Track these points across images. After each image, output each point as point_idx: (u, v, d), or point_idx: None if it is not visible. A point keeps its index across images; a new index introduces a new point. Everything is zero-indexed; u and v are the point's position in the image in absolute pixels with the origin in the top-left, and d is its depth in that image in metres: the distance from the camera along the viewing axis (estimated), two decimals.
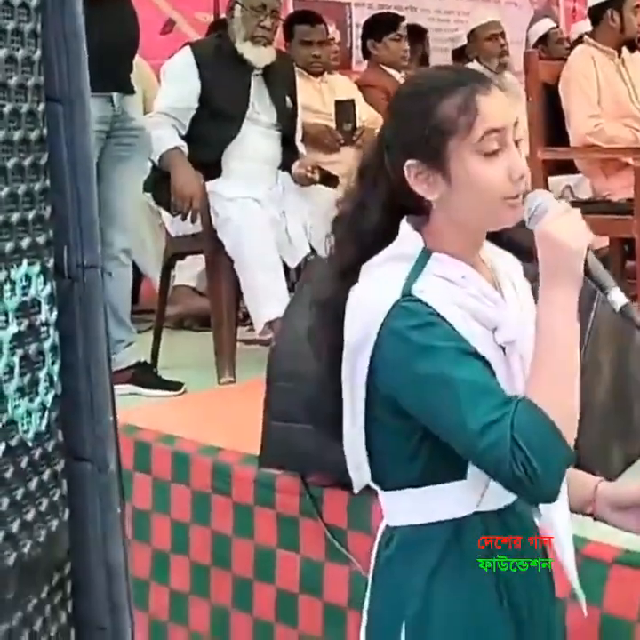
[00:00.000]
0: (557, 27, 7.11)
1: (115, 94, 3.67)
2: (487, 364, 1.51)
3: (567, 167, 4.57)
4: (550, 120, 4.52)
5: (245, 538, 2.85)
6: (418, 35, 6.24)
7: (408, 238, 1.56)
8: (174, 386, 3.74)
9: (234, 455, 2.95)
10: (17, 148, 0.76)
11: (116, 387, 3.21)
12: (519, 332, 1.56)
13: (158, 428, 3.17)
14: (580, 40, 5.16)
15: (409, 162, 1.55)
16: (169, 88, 4.06)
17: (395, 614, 1.59)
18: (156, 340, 4.06)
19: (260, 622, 2.82)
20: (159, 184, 3.95)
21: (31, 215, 0.77)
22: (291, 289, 3.70)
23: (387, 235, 1.56)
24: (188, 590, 3.00)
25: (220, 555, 2.91)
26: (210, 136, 3.95)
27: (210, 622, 2.95)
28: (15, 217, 0.75)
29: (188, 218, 3.85)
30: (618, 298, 1.51)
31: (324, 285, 1.65)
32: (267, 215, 3.89)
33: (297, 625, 2.76)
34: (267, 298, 3.70)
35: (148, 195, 4.19)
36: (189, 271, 4.72)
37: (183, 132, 3.98)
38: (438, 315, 1.49)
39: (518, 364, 1.55)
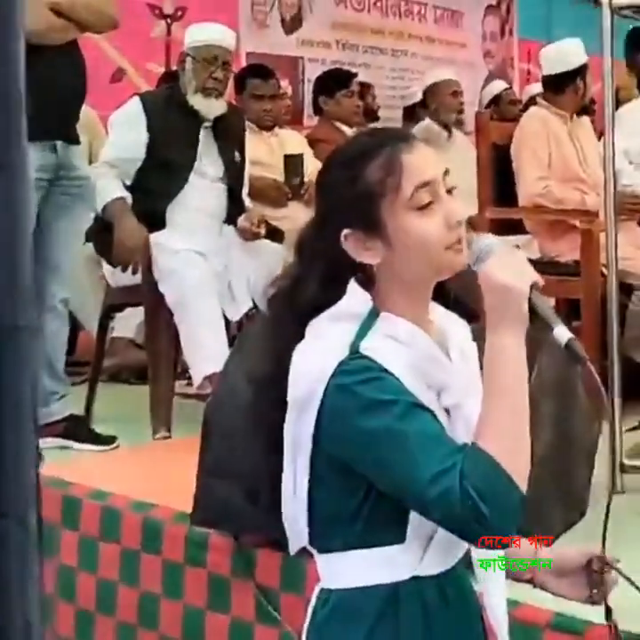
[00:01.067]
0: (510, 88, 7.29)
1: (59, 142, 3.67)
2: (435, 416, 1.52)
3: (515, 227, 4.66)
4: (499, 180, 4.64)
5: (174, 598, 2.84)
6: (362, 89, 6.31)
7: (356, 297, 1.57)
8: (107, 440, 3.74)
9: (166, 512, 2.94)
10: None
11: (47, 440, 3.20)
12: (464, 396, 1.58)
13: (89, 482, 3.16)
14: (532, 101, 5.31)
15: (345, 231, 1.57)
16: (116, 137, 4.08)
17: None
18: (90, 393, 4.05)
19: None
20: (101, 234, 3.95)
21: None
22: (230, 343, 3.74)
23: (322, 307, 1.58)
24: None
25: (148, 615, 2.89)
26: (155, 187, 3.97)
27: None
28: None
29: (129, 269, 3.87)
30: (562, 333, 1.53)
31: (260, 363, 1.66)
32: (210, 268, 3.90)
33: None
34: (206, 352, 3.70)
35: (90, 245, 4.21)
36: (128, 322, 4.70)
37: (128, 183, 4.00)
38: (386, 371, 1.50)
39: (463, 427, 1.56)
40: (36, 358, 0.90)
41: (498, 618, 1.67)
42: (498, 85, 7.09)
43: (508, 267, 1.54)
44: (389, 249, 1.58)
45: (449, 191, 1.61)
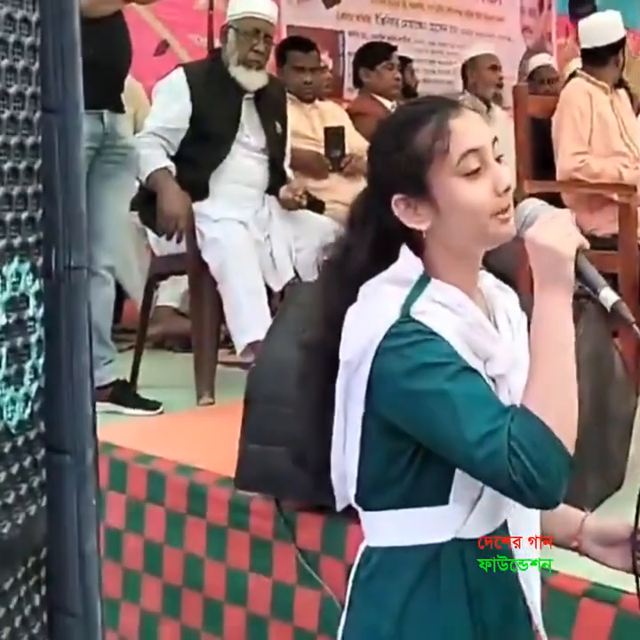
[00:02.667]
0: (551, 64, 7.21)
1: (105, 112, 3.72)
2: (483, 380, 1.53)
3: (553, 201, 4.63)
4: (538, 153, 4.60)
5: (218, 560, 2.87)
6: (402, 64, 6.32)
7: (408, 262, 1.58)
8: (152, 405, 3.77)
9: (210, 476, 2.96)
10: (13, 153, 0.82)
11: None
12: (510, 366, 1.59)
13: (135, 446, 3.20)
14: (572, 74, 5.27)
15: (396, 197, 1.58)
16: (160, 108, 4.09)
17: (369, 635, 1.61)
18: (136, 360, 4.08)
19: None
20: (146, 203, 3.98)
21: (23, 216, 0.83)
22: (273, 313, 3.75)
23: (372, 275, 1.59)
24: (158, 611, 3.01)
25: (193, 576, 2.92)
26: (199, 157, 3.98)
27: None
28: (8, 217, 0.81)
29: (174, 238, 3.90)
30: (609, 296, 1.53)
31: (310, 329, 1.69)
32: (252, 238, 3.92)
33: None
34: (249, 320, 3.73)
35: (135, 214, 4.24)
36: (172, 291, 4.74)
37: (172, 153, 4.01)
38: (436, 334, 1.51)
39: (507, 398, 1.57)
40: (88, 302, 0.91)
41: (529, 581, 1.68)
42: (542, 59, 7.01)
43: (554, 230, 1.54)
44: (438, 215, 1.58)
45: (497, 159, 1.60)
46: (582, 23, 4.93)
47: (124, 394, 3.77)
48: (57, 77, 0.85)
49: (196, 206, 3.95)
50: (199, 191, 3.98)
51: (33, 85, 0.83)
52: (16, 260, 0.81)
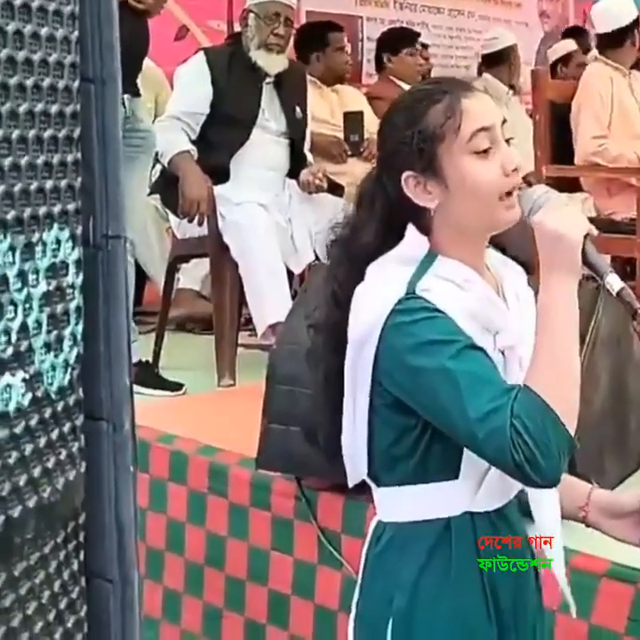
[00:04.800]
0: (579, 50, 7.16)
1: (125, 96, 3.74)
2: (488, 356, 1.54)
3: (572, 185, 4.63)
4: (556, 138, 4.59)
5: (240, 539, 2.88)
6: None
7: (414, 241, 1.59)
8: (174, 386, 3.78)
9: (231, 456, 2.97)
10: (53, 121, 0.82)
11: None
12: (519, 338, 1.60)
13: (157, 427, 3.21)
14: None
15: (406, 174, 1.59)
16: (181, 92, 4.09)
17: (382, 609, 1.62)
18: (157, 341, 4.09)
19: (251, 623, 2.85)
20: (168, 186, 3.97)
21: (63, 184, 0.83)
22: (293, 295, 3.75)
23: (380, 253, 1.60)
24: (181, 589, 3.02)
25: (215, 555, 2.93)
26: (219, 141, 3.98)
27: (202, 621, 2.98)
28: (49, 184, 0.81)
29: (195, 221, 3.90)
30: (615, 282, 1.54)
31: (320, 307, 1.70)
32: (272, 221, 3.92)
33: (288, 626, 2.78)
34: (270, 302, 3.73)
35: (157, 197, 4.25)
36: (193, 274, 4.75)
37: (193, 137, 4.01)
38: (441, 311, 1.52)
39: (517, 369, 1.58)
40: (126, 270, 0.91)
41: (554, 555, 1.68)
42: (569, 44, 6.96)
43: (562, 216, 1.55)
44: (447, 192, 1.59)
45: (507, 141, 1.61)
46: (594, 8, 4.92)
47: (147, 375, 3.78)
48: (94, 47, 0.86)
49: (217, 190, 3.95)
50: (220, 175, 3.98)
51: (72, 54, 0.84)
52: (56, 227, 0.82)
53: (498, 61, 6.02)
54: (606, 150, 4.49)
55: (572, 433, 1.49)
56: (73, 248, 0.84)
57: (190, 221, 3.90)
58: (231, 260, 3.89)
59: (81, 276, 0.85)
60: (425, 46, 6.67)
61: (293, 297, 3.70)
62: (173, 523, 3.04)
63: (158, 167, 4.05)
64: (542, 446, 1.45)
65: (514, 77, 5.95)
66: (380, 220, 1.62)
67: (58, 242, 0.82)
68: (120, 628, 0.84)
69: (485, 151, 1.58)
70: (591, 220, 1.66)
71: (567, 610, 1.77)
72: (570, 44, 6.93)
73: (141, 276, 4.69)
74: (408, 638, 1.61)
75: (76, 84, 0.85)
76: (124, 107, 3.74)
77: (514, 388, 1.50)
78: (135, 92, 3.83)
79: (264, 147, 4.08)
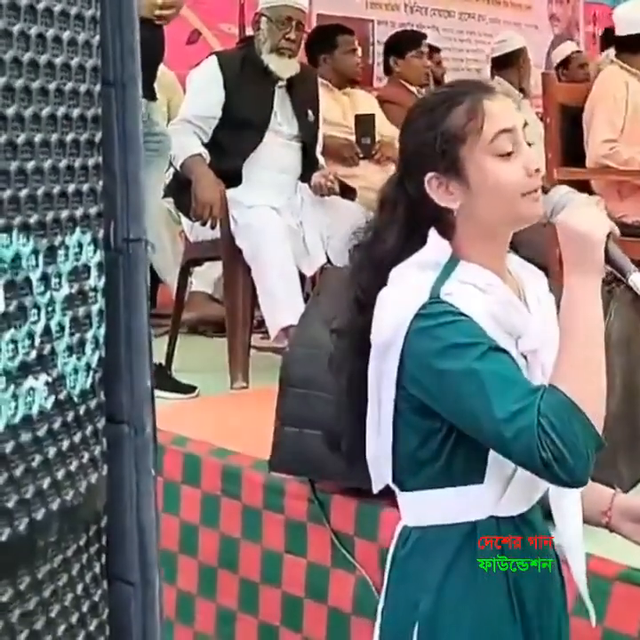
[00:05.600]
0: (580, 51, 7.17)
1: (143, 100, 3.75)
2: (512, 358, 1.54)
3: (583, 188, 4.61)
4: (567, 141, 4.57)
5: (253, 541, 2.87)
6: (430, 53, 6.30)
7: (436, 246, 1.60)
8: (188, 389, 3.78)
9: (244, 459, 2.96)
10: (75, 125, 0.82)
11: None
12: (542, 342, 1.60)
13: (171, 429, 3.20)
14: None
15: (429, 174, 1.60)
16: (193, 96, 4.10)
17: (408, 613, 1.62)
18: (170, 344, 4.09)
19: (265, 625, 2.84)
20: (181, 190, 3.98)
21: (85, 188, 0.83)
22: (306, 298, 3.76)
23: (403, 257, 1.60)
24: (194, 591, 3.02)
25: (228, 557, 2.93)
26: (232, 145, 3.98)
27: (215, 624, 2.97)
28: (71, 188, 0.81)
29: (208, 224, 3.90)
30: (639, 280, 1.54)
31: (341, 313, 1.70)
32: (285, 224, 3.92)
33: (301, 629, 2.78)
34: (282, 305, 3.72)
35: (170, 200, 4.25)
36: (206, 277, 4.74)
37: (206, 140, 4.01)
38: (465, 315, 1.53)
39: (539, 373, 1.59)
40: (146, 273, 0.91)
41: (574, 560, 1.68)
42: (568, 47, 6.97)
43: (585, 216, 1.55)
44: (469, 193, 1.59)
45: (528, 145, 1.62)
46: (617, 11, 4.88)
47: (160, 377, 3.77)
48: (115, 51, 0.86)
49: (230, 193, 3.95)
50: (232, 178, 3.98)
51: (93, 58, 0.83)
52: (78, 230, 0.82)
53: (507, 64, 6.01)
54: (617, 153, 4.47)
55: (600, 432, 1.48)
56: (95, 251, 0.84)
57: (203, 225, 3.90)
58: (244, 263, 3.89)
59: (103, 280, 0.85)
60: (436, 50, 6.67)
61: (305, 300, 3.70)
62: (187, 525, 3.04)
63: (171, 171, 4.05)
64: (570, 445, 1.45)
65: (524, 80, 5.94)
66: (403, 224, 1.62)
67: (80, 245, 0.82)
68: (141, 630, 0.84)
69: (508, 154, 1.58)
70: None
71: (580, 613, 1.76)
72: (569, 47, 6.93)
73: (155, 280, 4.70)
74: None
75: (98, 87, 0.85)
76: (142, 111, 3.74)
77: (540, 387, 1.50)
78: (151, 96, 3.83)
79: (276, 150, 4.07)
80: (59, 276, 0.79)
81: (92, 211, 0.84)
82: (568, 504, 1.66)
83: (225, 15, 6.26)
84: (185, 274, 4.27)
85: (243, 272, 3.90)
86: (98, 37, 0.84)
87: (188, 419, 3.46)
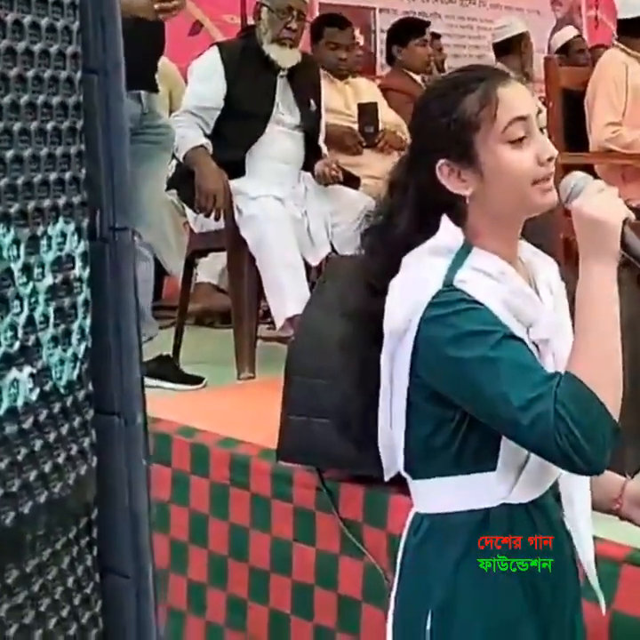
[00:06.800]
0: (580, 35, 7.14)
1: (142, 92, 3.73)
2: (527, 346, 1.53)
3: (587, 172, 4.57)
4: (570, 125, 4.55)
5: (262, 530, 2.87)
6: (431, 40, 6.25)
7: (449, 232, 1.58)
8: (195, 380, 3.77)
9: (252, 448, 2.96)
10: (55, 112, 0.80)
11: None
12: (553, 331, 1.59)
13: (178, 420, 3.20)
14: (599, 46, 5.20)
15: (440, 161, 1.58)
16: (195, 87, 4.08)
17: (421, 601, 1.61)
18: (177, 336, 4.08)
19: (275, 613, 2.84)
20: (184, 181, 3.96)
21: (67, 176, 0.81)
22: (311, 288, 3.74)
23: (415, 243, 1.59)
24: (205, 581, 3.02)
25: (238, 546, 2.92)
26: (234, 135, 3.97)
27: (226, 613, 2.97)
28: (52, 177, 0.80)
29: (212, 215, 3.88)
30: None
31: (353, 297, 1.68)
32: (289, 214, 3.90)
33: (312, 617, 2.78)
34: (288, 295, 3.71)
35: (174, 192, 4.24)
36: (211, 268, 4.74)
37: (208, 132, 4.00)
38: (479, 303, 1.51)
39: (551, 362, 1.57)
40: (134, 262, 0.90)
41: (583, 546, 1.67)
42: (568, 32, 6.94)
43: (600, 202, 1.53)
44: (481, 181, 1.58)
45: (540, 130, 1.61)
46: None
47: (167, 369, 3.78)
48: (97, 37, 0.84)
49: (234, 183, 3.93)
50: (236, 169, 3.97)
51: (73, 44, 0.82)
52: (61, 220, 0.80)
53: (509, 50, 5.98)
54: (620, 136, 4.44)
55: (616, 419, 1.47)
56: (79, 241, 0.83)
57: (207, 216, 3.89)
58: (248, 254, 3.88)
59: (88, 270, 0.83)
60: (437, 36, 6.64)
61: (311, 289, 3.68)
62: (196, 515, 3.03)
63: (174, 162, 4.04)
64: (587, 432, 1.43)
65: (526, 66, 5.91)
66: (414, 209, 1.61)
67: (63, 235, 0.81)
68: (135, 621, 0.83)
69: (520, 140, 1.57)
70: None
71: (588, 596, 1.75)
72: (569, 32, 6.90)
73: (160, 271, 4.69)
74: (448, 630, 1.59)
75: (79, 74, 0.83)
76: (141, 103, 3.72)
77: (556, 375, 1.49)
78: (153, 88, 3.81)
79: (279, 140, 4.06)
80: (41, 266, 0.78)
81: (76, 199, 0.83)
82: (577, 491, 1.65)
83: (227, 6, 6.24)
84: (190, 265, 4.27)
85: (247, 262, 3.89)
86: (77, 23, 0.82)
87: (196, 409, 3.46)
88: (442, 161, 1.58)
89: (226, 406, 3.53)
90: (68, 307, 0.82)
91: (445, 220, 1.59)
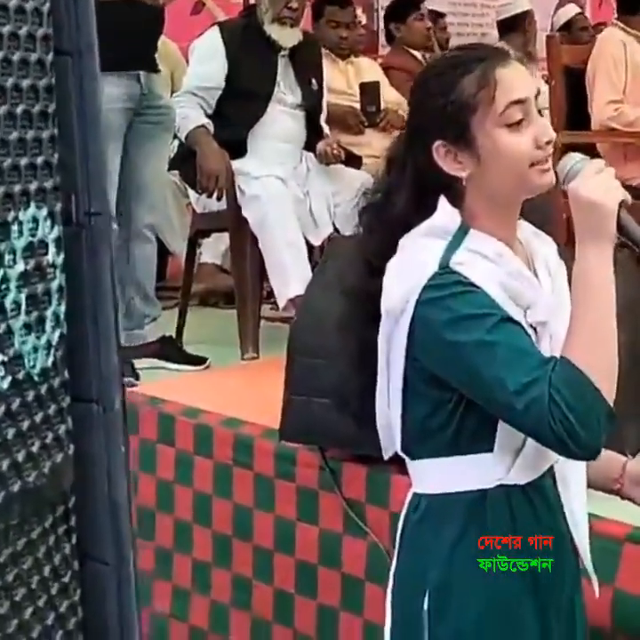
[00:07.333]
0: (582, 13, 7.06)
1: (142, 73, 3.70)
2: (524, 330, 1.52)
3: (588, 151, 4.54)
4: (572, 104, 4.50)
5: (266, 510, 2.86)
6: (434, 19, 6.18)
7: (446, 214, 1.56)
8: (198, 360, 3.75)
9: (255, 428, 2.94)
10: (26, 96, 0.78)
11: (141, 360, 3.25)
12: (551, 314, 1.57)
13: (182, 401, 3.18)
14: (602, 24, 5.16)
15: (437, 142, 1.56)
16: (196, 67, 4.06)
17: (419, 581, 1.61)
18: (181, 316, 4.07)
19: (280, 592, 2.83)
20: (186, 162, 3.94)
21: (39, 160, 0.79)
22: (313, 268, 3.72)
23: (413, 222, 1.57)
24: (210, 560, 3.01)
25: (242, 526, 2.91)
26: (236, 115, 3.95)
27: (231, 592, 2.97)
28: (23, 161, 0.77)
29: (214, 196, 3.87)
30: None
31: (352, 276, 1.67)
32: (291, 194, 3.88)
33: (316, 596, 2.77)
34: (290, 275, 3.69)
35: (176, 172, 4.22)
36: (215, 249, 4.73)
37: (209, 112, 3.98)
38: (475, 286, 1.50)
39: (548, 345, 1.56)
40: (111, 246, 0.88)
41: (578, 528, 1.66)
42: (571, 9, 6.86)
43: (597, 184, 1.51)
44: (478, 163, 1.55)
45: (539, 112, 1.58)
46: None
47: (171, 350, 3.77)
48: (70, 19, 0.82)
49: (235, 164, 3.91)
50: (237, 149, 3.94)
51: (44, 26, 0.80)
52: (33, 205, 0.78)
53: (513, 28, 5.92)
54: (623, 114, 4.40)
55: (611, 403, 1.46)
56: (52, 226, 0.81)
57: (209, 196, 3.87)
58: (251, 234, 3.85)
59: (62, 255, 0.82)
60: (441, 15, 6.58)
61: (313, 269, 3.66)
62: (200, 495, 3.02)
63: (176, 143, 4.02)
64: (581, 417, 1.42)
65: (530, 44, 5.85)
66: (411, 188, 1.59)
67: (35, 220, 0.79)
68: (116, 608, 0.81)
69: (518, 123, 1.54)
70: None
71: (588, 575, 1.74)
72: (572, 9, 6.83)
73: (163, 251, 4.68)
74: (444, 610, 1.59)
75: (50, 57, 0.81)
76: (140, 83, 3.70)
77: (551, 359, 1.47)
78: (152, 68, 3.78)
79: (281, 120, 4.03)
80: (13, 252, 0.76)
81: (48, 184, 0.81)
82: (572, 473, 1.64)
83: None
84: (193, 245, 4.25)
85: (250, 243, 3.87)
86: (48, 5, 0.80)
87: (199, 390, 3.44)
88: (438, 142, 1.56)
89: (229, 387, 3.52)
90: (41, 293, 0.80)
91: (443, 201, 1.57)
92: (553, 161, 1.58)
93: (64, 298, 0.81)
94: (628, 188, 4.44)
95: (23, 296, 0.77)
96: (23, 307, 0.78)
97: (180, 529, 3.07)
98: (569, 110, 4.45)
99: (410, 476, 1.68)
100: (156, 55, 3.82)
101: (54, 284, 0.81)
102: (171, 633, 3.08)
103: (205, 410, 3.12)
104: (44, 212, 0.79)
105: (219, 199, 3.88)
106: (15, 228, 0.77)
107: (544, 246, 1.67)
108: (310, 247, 3.93)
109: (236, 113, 3.95)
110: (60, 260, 0.81)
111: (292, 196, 3.88)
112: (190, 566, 3.06)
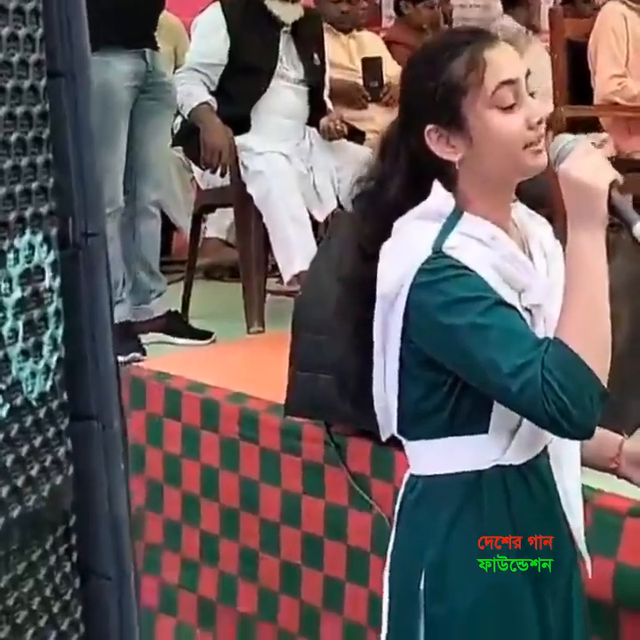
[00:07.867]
0: None
1: (147, 50, 3.68)
2: (518, 313, 1.51)
3: (591, 126, 4.50)
4: (575, 78, 4.46)
5: (272, 483, 2.86)
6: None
7: (439, 197, 1.55)
8: (204, 335, 3.75)
9: (261, 403, 2.94)
10: (19, 123, 0.77)
11: (148, 335, 3.24)
12: (545, 297, 1.56)
13: (188, 375, 3.17)
14: None
15: (428, 127, 1.54)
16: (198, 44, 4.02)
17: (415, 561, 1.60)
18: (186, 291, 4.05)
19: (286, 564, 2.84)
20: (190, 138, 3.91)
21: (34, 186, 0.78)
22: (318, 243, 3.70)
23: (407, 208, 1.56)
24: (217, 532, 3.02)
25: (249, 499, 2.91)
26: (239, 91, 3.91)
27: (239, 563, 2.98)
28: (18, 188, 0.76)
29: (218, 171, 3.85)
30: None
31: (347, 261, 1.67)
32: (294, 169, 3.85)
33: (322, 567, 2.79)
34: (294, 250, 3.67)
35: (180, 148, 4.20)
36: (219, 223, 4.70)
37: (212, 88, 3.94)
38: (469, 269, 1.49)
39: (542, 328, 1.55)
40: (107, 267, 0.87)
41: (571, 508, 1.65)
42: None
43: (587, 164, 1.50)
44: (471, 146, 1.54)
45: (531, 94, 1.56)
46: None
47: (176, 324, 3.76)
48: (63, 40, 0.80)
49: (239, 140, 3.88)
50: (241, 125, 3.91)
51: (37, 52, 0.78)
52: (28, 231, 0.77)
53: (516, 1, 5.86)
54: (626, 88, 4.36)
55: (605, 383, 1.45)
56: (48, 251, 0.80)
57: (213, 172, 3.85)
58: (255, 210, 3.82)
59: (58, 279, 0.80)
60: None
61: (318, 245, 3.65)
62: (208, 469, 3.02)
63: (179, 119, 4.00)
64: (574, 398, 1.42)
65: (534, 17, 5.78)
66: (405, 173, 1.57)
67: (31, 246, 0.78)
68: (118, 624, 0.82)
69: (510, 106, 1.53)
70: (611, 161, 1.60)
71: (591, 549, 1.74)
72: None
73: (168, 227, 4.67)
74: (441, 590, 1.58)
75: (43, 82, 0.79)
76: (146, 61, 3.68)
77: (545, 340, 1.46)
78: (154, 46, 3.75)
79: (283, 95, 3.99)
80: (9, 280, 0.75)
81: (43, 209, 0.79)
82: (565, 453, 1.64)
83: None
84: (198, 221, 4.24)
85: (254, 218, 3.83)
86: (41, 31, 0.78)
87: (205, 364, 3.43)
88: (430, 126, 1.54)
89: (235, 361, 3.51)
90: (38, 319, 0.79)
91: (436, 185, 1.55)
92: (555, 134, 1.57)
93: (61, 321, 0.81)
94: (631, 161, 4.43)
95: (20, 323, 0.76)
96: (20, 333, 0.77)
97: (188, 501, 3.08)
98: (572, 84, 4.40)
99: (407, 457, 1.68)
100: (155, 33, 3.79)
101: (51, 309, 0.80)
102: (180, 603, 3.10)
103: (211, 384, 3.12)
104: (40, 237, 0.78)
105: (222, 175, 3.85)
106: (11, 255, 0.76)
107: (539, 227, 1.65)
108: (314, 223, 3.90)
109: (239, 89, 3.92)
110: (56, 283, 0.81)
111: (295, 172, 3.85)
112: (198, 538, 3.06)
